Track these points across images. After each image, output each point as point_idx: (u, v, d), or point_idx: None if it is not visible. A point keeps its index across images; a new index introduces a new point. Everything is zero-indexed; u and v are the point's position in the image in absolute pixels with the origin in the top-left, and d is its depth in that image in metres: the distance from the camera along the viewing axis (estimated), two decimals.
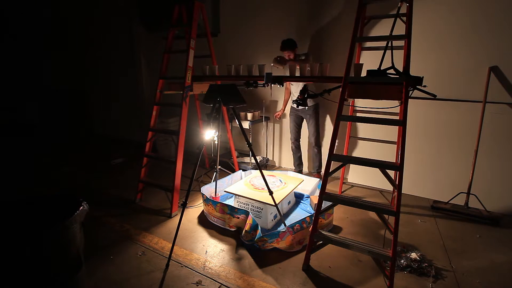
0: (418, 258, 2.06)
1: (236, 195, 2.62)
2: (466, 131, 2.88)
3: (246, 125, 3.69)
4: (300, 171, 3.63)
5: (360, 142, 3.40)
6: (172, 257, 2.08)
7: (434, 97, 2.09)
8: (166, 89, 3.06)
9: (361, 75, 2.05)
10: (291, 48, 3.11)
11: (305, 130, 3.61)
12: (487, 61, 2.71)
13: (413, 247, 2.26)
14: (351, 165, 3.55)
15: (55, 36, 5.96)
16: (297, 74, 2.55)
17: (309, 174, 3.69)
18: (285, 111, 3.75)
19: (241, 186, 2.75)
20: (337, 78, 2.18)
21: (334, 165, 1.98)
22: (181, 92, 2.76)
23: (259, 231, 2.21)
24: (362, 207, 1.89)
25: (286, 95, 3.62)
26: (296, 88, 3.32)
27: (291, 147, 3.64)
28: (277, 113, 3.74)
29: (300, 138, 3.62)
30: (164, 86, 3.04)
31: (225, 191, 2.71)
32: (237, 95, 2.25)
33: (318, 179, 3.15)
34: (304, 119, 3.48)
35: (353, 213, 2.81)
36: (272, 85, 2.45)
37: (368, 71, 1.95)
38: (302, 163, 3.70)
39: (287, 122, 3.84)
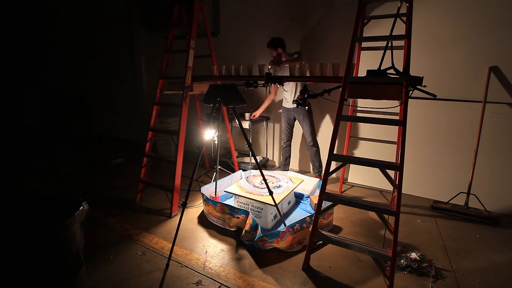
0: (418, 258, 2.06)
1: (236, 195, 2.63)
2: (466, 131, 2.88)
3: (246, 125, 3.69)
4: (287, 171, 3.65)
5: (360, 142, 3.40)
6: (172, 257, 2.08)
7: (434, 97, 2.09)
8: (166, 89, 3.06)
9: (358, 75, 2.05)
10: (273, 47, 3.17)
11: (297, 132, 3.64)
12: (487, 61, 2.71)
13: (413, 247, 2.26)
14: (351, 165, 3.55)
15: (55, 36, 5.96)
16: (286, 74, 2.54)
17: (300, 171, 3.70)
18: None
19: (234, 188, 2.73)
20: (337, 78, 2.18)
21: (334, 165, 1.98)
22: (181, 92, 2.76)
23: (259, 231, 2.21)
24: (362, 207, 1.89)
25: (270, 98, 3.62)
26: (290, 87, 3.30)
27: (282, 147, 3.66)
28: (253, 114, 3.71)
29: (291, 139, 3.64)
30: (164, 86, 3.04)
31: (225, 191, 2.71)
32: (237, 95, 2.25)
33: (318, 179, 3.15)
34: (297, 120, 3.48)
35: (353, 213, 2.81)
36: (272, 85, 2.45)
37: (368, 71, 1.95)
38: (289, 163, 3.76)
39: None
